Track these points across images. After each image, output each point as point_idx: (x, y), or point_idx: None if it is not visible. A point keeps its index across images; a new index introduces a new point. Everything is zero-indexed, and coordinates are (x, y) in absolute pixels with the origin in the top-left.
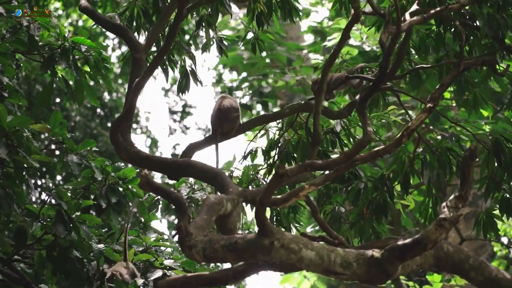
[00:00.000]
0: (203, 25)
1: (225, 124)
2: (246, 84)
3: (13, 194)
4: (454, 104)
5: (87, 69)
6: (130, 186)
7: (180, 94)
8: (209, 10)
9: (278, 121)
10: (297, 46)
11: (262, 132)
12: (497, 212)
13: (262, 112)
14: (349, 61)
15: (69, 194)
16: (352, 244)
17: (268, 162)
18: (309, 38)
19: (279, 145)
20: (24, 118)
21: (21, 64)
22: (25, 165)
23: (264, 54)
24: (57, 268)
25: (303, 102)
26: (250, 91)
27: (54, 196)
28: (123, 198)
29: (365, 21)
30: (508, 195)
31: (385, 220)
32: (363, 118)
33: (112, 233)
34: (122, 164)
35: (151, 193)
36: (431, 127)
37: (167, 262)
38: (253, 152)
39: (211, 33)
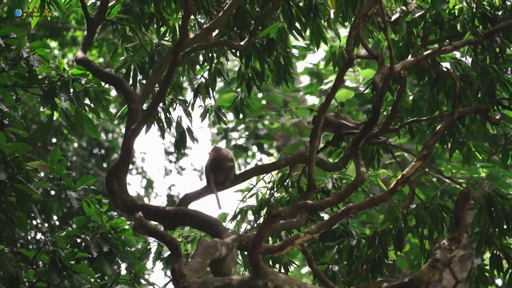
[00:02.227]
0: (202, 93)
1: (219, 173)
2: (242, 125)
3: (14, 218)
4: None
5: (87, 101)
6: (122, 237)
7: (177, 151)
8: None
9: (268, 180)
10: (293, 88)
11: (253, 191)
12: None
13: (258, 154)
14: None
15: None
16: None
17: (259, 222)
18: (305, 80)
19: (269, 204)
20: (23, 145)
21: (20, 98)
22: (27, 193)
23: (260, 95)
24: None
25: (297, 153)
26: (246, 133)
27: (49, 243)
28: (114, 248)
29: (362, 63)
30: (498, 251)
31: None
32: (357, 159)
33: (105, 284)
34: (115, 213)
35: (141, 244)
36: (426, 169)
37: None
38: (243, 211)
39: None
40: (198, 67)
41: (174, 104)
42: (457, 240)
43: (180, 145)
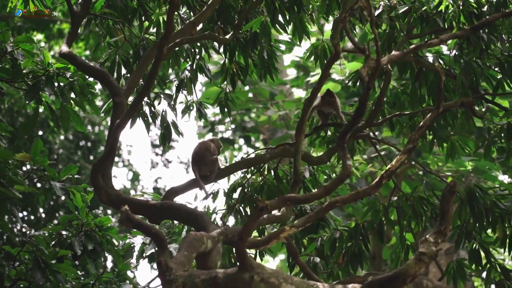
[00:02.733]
0: (187, 86)
1: (202, 167)
2: (228, 118)
3: None
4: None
5: (73, 95)
6: (107, 235)
7: (162, 146)
8: (189, 74)
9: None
10: (280, 81)
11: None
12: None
13: (245, 147)
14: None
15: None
16: None
17: (230, 203)
18: (292, 73)
19: (243, 188)
20: (7, 151)
21: (5, 93)
22: (8, 196)
23: (246, 88)
24: None
25: (282, 147)
26: (233, 126)
27: (31, 243)
28: (98, 246)
29: (348, 57)
30: (477, 246)
31: (360, 267)
32: (343, 153)
33: (87, 283)
34: (100, 211)
35: (126, 242)
36: (412, 162)
37: None
38: (214, 192)
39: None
40: (182, 60)
41: (159, 98)
42: (443, 233)
43: (165, 139)
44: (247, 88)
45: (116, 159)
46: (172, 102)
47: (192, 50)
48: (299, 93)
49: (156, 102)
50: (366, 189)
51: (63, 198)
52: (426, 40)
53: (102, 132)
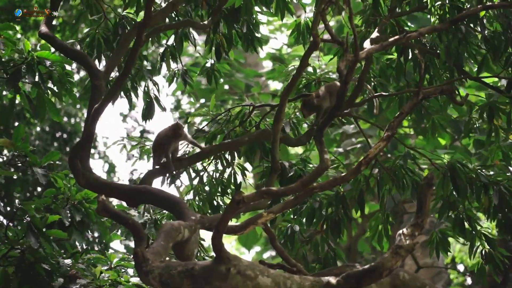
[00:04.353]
0: (167, 57)
1: (162, 156)
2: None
3: None
4: (412, 132)
5: (51, 85)
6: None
7: (144, 120)
8: (173, 41)
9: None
10: (256, 73)
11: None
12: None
13: None
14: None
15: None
16: (307, 261)
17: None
18: (267, 65)
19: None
20: None
21: None
22: None
23: (222, 80)
24: (24, 282)
25: (261, 130)
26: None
27: (21, 211)
28: (86, 218)
29: (324, 49)
30: (462, 215)
31: (341, 238)
32: (320, 146)
33: (76, 252)
34: None
35: None
36: (389, 155)
37: (133, 279)
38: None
39: (175, 64)
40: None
41: (141, 73)
42: (420, 226)
43: (147, 115)
44: (222, 80)
45: (92, 151)
46: (155, 75)
47: (177, 18)
48: (275, 85)
49: (138, 82)
50: (345, 175)
51: (44, 183)
52: (405, 33)
53: (78, 124)
